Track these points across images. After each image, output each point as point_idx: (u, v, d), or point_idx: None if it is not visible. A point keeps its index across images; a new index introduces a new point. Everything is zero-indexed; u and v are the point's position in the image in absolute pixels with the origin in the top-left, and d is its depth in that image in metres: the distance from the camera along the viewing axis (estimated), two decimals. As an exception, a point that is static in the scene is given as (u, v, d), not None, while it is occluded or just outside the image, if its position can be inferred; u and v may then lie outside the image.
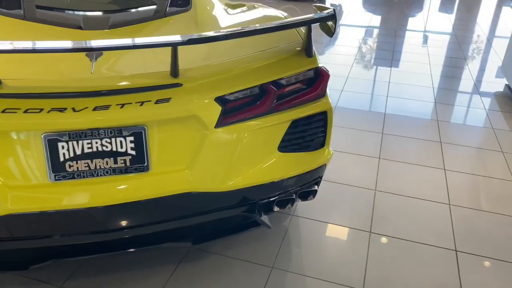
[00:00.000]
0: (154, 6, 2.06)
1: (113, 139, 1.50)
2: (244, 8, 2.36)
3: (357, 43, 5.95)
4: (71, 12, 1.95)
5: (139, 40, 1.43)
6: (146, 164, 1.55)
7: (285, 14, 2.19)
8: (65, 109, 1.41)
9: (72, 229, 1.57)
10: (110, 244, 1.71)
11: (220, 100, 1.58)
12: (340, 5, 8.54)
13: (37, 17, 1.89)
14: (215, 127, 1.59)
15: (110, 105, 1.45)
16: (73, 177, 1.50)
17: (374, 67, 5.09)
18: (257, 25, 1.62)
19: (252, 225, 1.89)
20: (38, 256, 1.65)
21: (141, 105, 1.47)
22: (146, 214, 1.62)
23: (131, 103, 1.46)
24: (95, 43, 1.39)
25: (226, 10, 2.26)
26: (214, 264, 2.06)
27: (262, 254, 2.13)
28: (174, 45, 1.43)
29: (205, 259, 2.08)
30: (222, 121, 1.60)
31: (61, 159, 1.47)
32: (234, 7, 2.39)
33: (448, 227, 2.37)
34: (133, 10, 2.03)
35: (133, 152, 1.53)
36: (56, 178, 1.49)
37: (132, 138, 1.52)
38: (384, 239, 2.27)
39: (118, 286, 1.92)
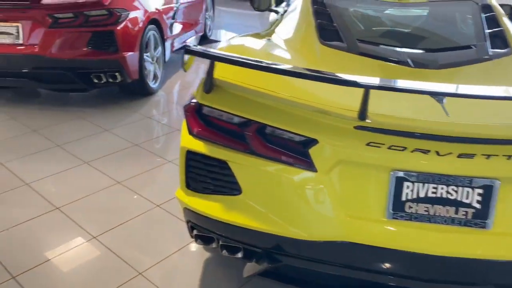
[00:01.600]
0: (475, 47, 1.94)
1: (460, 188, 1.41)
2: None
3: None
4: (393, 48, 1.97)
5: None
6: (488, 221, 1.42)
7: None
8: (429, 151, 1.38)
9: (392, 269, 1.52)
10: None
11: None
12: None
13: (359, 51, 1.95)
14: None
15: (475, 154, 1.36)
16: (410, 219, 1.46)
17: None
18: None
19: None
20: (342, 285, 1.66)
21: (508, 158, 1.35)
22: (476, 274, 1.48)
23: (498, 155, 1.35)
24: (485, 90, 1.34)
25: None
26: None
27: None
28: None
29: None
30: None
31: (403, 198, 1.45)
32: None
33: None
34: (456, 50, 1.95)
35: (478, 206, 1.42)
36: (394, 216, 1.46)
37: (480, 191, 1.40)
38: None
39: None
